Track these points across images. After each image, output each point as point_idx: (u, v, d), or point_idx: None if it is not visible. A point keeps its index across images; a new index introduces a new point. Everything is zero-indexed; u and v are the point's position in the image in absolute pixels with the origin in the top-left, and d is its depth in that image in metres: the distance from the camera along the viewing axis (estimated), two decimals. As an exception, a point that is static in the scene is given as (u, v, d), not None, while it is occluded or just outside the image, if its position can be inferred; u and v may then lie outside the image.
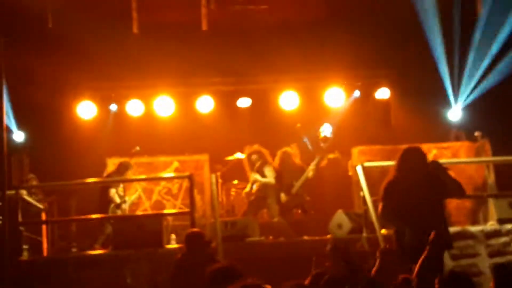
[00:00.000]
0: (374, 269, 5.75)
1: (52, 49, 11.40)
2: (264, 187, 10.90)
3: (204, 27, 11.17)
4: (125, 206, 10.78)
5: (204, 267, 7.24)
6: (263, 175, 10.91)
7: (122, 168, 10.73)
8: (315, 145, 11.31)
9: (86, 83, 12.48)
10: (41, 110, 11.96)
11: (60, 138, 12.15)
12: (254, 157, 11.01)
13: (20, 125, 12.24)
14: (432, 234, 5.43)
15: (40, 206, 10.59)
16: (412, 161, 6.59)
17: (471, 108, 12.27)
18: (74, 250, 10.55)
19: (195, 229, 8.05)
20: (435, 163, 6.68)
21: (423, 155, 6.65)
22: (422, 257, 5.31)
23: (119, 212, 10.54)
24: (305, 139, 11.40)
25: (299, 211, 11.01)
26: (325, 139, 11.24)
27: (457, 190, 6.65)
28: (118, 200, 10.60)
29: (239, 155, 11.67)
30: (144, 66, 12.02)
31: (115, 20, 11.23)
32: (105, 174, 10.84)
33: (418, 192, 6.44)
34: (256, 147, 11.11)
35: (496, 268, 5.04)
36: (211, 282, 4.46)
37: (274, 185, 10.87)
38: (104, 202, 10.50)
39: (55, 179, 10.66)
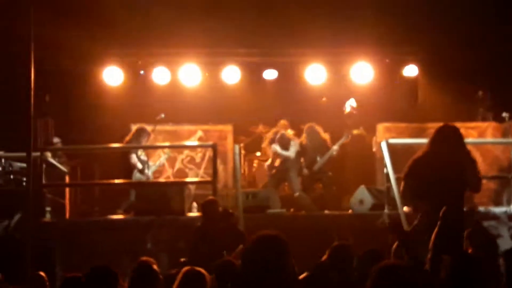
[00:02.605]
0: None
1: (79, 16, 11.39)
2: (285, 161, 10.82)
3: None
4: (149, 171, 10.71)
5: (224, 236, 7.34)
6: (285, 148, 10.82)
7: (139, 134, 10.66)
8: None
9: (113, 50, 12.48)
10: (68, 76, 12.00)
11: (86, 103, 12.19)
12: (278, 133, 10.94)
13: (47, 89, 12.30)
14: (444, 209, 5.32)
15: (64, 169, 10.68)
16: (446, 140, 6.41)
17: (499, 88, 12.10)
18: (96, 214, 10.64)
19: (210, 197, 8.09)
20: (465, 152, 6.48)
21: (458, 136, 6.46)
22: (434, 233, 5.21)
23: (142, 178, 10.53)
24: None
25: (321, 186, 10.97)
26: (350, 114, 11.16)
27: (473, 185, 6.43)
28: (140, 165, 10.57)
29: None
30: (171, 34, 11.96)
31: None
32: (124, 141, 10.80)
33: (444, 172, 6.29)
34: (283, 122, 11.06)
35: (507, 253, 5.00)
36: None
37: (295, 158, 10.78)
38: (126, 168, 10.51)
39: (79, 143, 10.74)
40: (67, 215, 10.40)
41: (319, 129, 10.97)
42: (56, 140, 11.11)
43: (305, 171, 10.79)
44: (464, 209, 6.34)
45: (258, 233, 4.23)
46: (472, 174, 6.39)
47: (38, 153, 9.34)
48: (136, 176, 10.47)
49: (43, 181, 9.51)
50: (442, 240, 5.11)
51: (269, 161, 11.13)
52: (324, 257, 5.60)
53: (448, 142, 6.41)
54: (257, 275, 3.94)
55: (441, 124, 6.83)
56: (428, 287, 4.32)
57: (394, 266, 3.71)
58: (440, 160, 6.34)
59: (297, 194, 10.51)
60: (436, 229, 5.19)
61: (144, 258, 5.15)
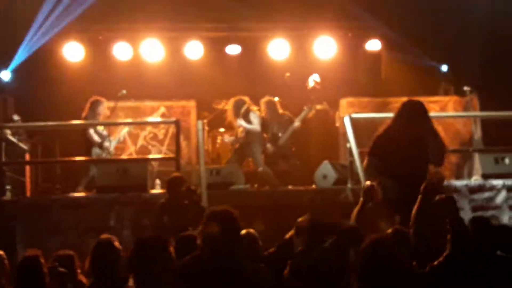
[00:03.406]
0: (355, 212, 5.68)
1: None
2: (248, 134, 10.72)
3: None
4: (109, 144, 10.55)
5: (187, 212, 7.30)
6: (248, 122, 10.76)
7: (94, 105, 10.49)
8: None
9: (73, 25, 12.28)
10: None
11: (46, 80, 11.99)
12: (238, 103, 10.83)
13: (5, 65, 12.07)
14: (425, 183, 5.35)
15: (25, 146, 10.51)
16: (410, 115, 6.41)
17: (461, 62, 12.19)
18: (57, 191, 10.50)
19: (176, 174, 8.05)
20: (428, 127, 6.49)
21: (423, 110, 6.46)
22: (415, 208, 5.24)
23: (102, 153, 10.38)
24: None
25: (285, 161, 10.95)
26: (314, 89, 11.13)
27: (435, 158, 6.45)
28: (97, 138, 10.41)
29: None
30: (133, 9, 11.82)
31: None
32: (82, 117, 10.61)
33: (408, 147, 6.32)
34: (239, 96, 10.97)
35: (473, 220, 5.05)
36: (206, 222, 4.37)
37: (259, 133, 10.73)
38: (85, 143, 10.38)
39: (40, 120, 10.55)
40: (28, 193, 10.27)
41: (276, 102, 10.91)
42: (15, 117, 10.91)
43: (269, 146, 10.74)
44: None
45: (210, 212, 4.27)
46: (434, 148, 6.43)
47: (-3, 131, 9.18)
48: (96, 151, 10.33)
49: (3, 159, 9.35)
50: (423, 215, 5.12)
51: (233, 136, 11.04)
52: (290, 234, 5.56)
53: (412, 117, 6.42)
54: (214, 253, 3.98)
55: (404, 98, 6.85)
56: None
57: (382, 240, 3.79)
58: (403, 136, 6.35)
59: (260, 169, 10.48)
60: (417, 204, 5.21)
61: (104, 235, 5.09)
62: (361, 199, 5.80)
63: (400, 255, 4.09)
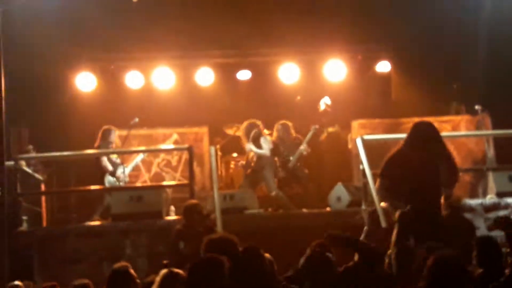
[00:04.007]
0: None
1: (50, 20, 11.29)
2: (260, 159, 10.76)
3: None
4: (122, 172, 10.59)
5: (203, 238, 7.32)
6: (259, 146, 10.80)
7: (105, 134, 10.57)
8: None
9: (85, 55, 12.41)
10: (40, 82, 11.88)
11: (59, 110, 12.08)
12: (250, 127, 10.88)
13: (19, 96, 12.18)
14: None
15: (39, 177, 10.58)
16: (421, 137, 6.39)
17: (472, 81, 12.20)
18: (73, 221, 10.56)
19: (193, 201, 8.08)
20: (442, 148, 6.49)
21: (433, 131, 6.44)
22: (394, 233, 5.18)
23: (115, 182, 10.41)
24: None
25: (298, 184, 10.95)
26: (325, 112, 11.18)
27: (448, 180, 6.41)
28: (110, 167, 10.46)
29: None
30: (144, 38, 11.93)
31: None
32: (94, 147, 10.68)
33: (419, 168, 6.28)
34: (251, 120, 11.02)
35: (479, 240, 5.06)
36: (206, 251, 4.45)
37: (270, 157, 10.74)
38: (99, 172, 10.44)
39: (54, 150, 10.64)
40: (44, 223, 10.32)
41: (290, 126, 10.94)
42: (30, 148, 11.00)
43: (280, 170, 10.75)
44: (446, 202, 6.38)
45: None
46: (447, 172, 6.38)
47: (12, 163, 9.26)
48: (109, 179, 10.38)
49: (18, 190, 9.42)
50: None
51: (244, 161, 11.07)
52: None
53: (423, 139, 6.42)
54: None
55: (415, 119, 6.85)
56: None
57: (450, 257, 3.82)
58: (414, 158, 6.32)
59: (273, 193, 10.49)
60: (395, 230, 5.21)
61: (119, 263, 5.12)
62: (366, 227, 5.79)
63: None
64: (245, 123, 10.98)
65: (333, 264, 4.98)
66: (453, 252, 4.36)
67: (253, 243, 5.04)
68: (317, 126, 10.82)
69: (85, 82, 12.48)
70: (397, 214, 5.21)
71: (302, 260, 5.32)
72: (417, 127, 6.52)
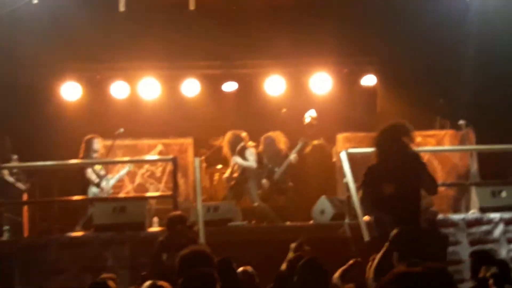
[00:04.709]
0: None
1: (36, 29, 11.26)
2: (244, 171, 10.75)
3: (192, 6, 11.09)
4: (106, 184, 10.56)
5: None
6: (244, 159, 10.79)
7: (88, 144, 10.53)
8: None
9: (71, 64, 12.37)
10: (24, 91, 11.82)
11: (43, 119, 12.02)
12: (234, 138, 10.87)
13: (2, 104, 12.11)
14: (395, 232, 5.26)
15: (22, 186, 10.50)
16: (387, 144, 6.48)
17: (456, 97, 12.26)
18: (55, 231, 10.47)
19: (177, 212, 8.05)
20: (414, 155, 6.55)
21: (397, 136, 6.50)
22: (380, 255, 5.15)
23: (98, 193, 10.38)
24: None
25: (282, 196, 10.94)
26: (310, 125, 11.19)
27: (431, 188, 6.50)
28: (95, 178, 10.42)
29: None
30: (130, 48, 11.92)
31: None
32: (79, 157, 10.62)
33: (395, 179, 6.30)
34: (236, 131, 11.01)
35: (474, 254, 5.06)
36: (181, 265, 4.44)
37: (255, 169, 10.72)
38: (83, 183, 10.38)
39: (37, 160, 10.56)
40: (26, 234, 10.23)
41: (277, 138, 10.92)
42: (13, 157, 10.92)
43: (265, 181, 10.73)
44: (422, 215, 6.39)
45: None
46: (427, 177, 6.43)
47: (-6, 171, 9.19)
48: (92, 190, 10.33)
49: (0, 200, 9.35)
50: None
51: (227, 172, 11.05)
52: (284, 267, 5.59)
53: (392, 141, 6.44)
54: None
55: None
56: None
57: (409, 273, 3.73)
58: (391, 170, 6.34)
59: (256, 204, 10.48)
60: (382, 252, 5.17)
61: (104, 274, 5.08)
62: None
63: None
64: (229, 134, 10.97)
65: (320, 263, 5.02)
66: (442, 266, 4.35)
67: (226, 256, 5.03)
68: (305, 140, 10.82)
69: (70, 91, 12.44)
70: (392, 233, 5.17)
71: (283, 265, 5.32)
72: (385, 131, 6.57)
